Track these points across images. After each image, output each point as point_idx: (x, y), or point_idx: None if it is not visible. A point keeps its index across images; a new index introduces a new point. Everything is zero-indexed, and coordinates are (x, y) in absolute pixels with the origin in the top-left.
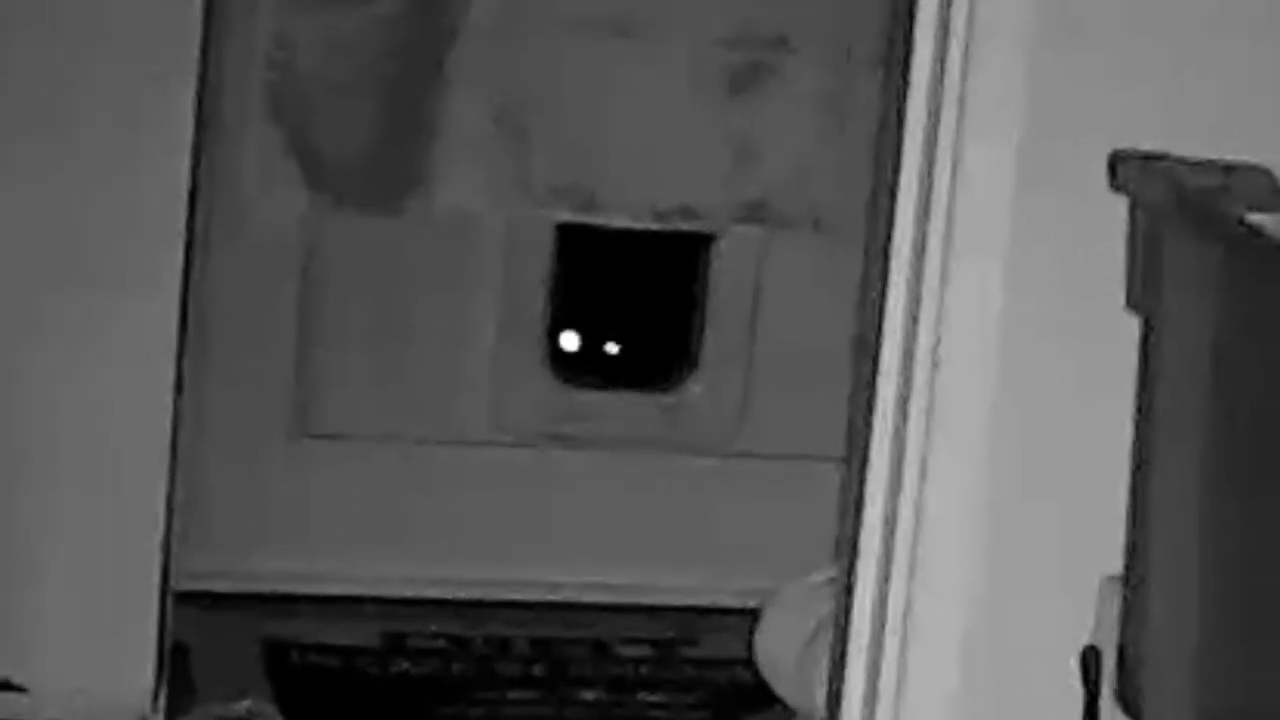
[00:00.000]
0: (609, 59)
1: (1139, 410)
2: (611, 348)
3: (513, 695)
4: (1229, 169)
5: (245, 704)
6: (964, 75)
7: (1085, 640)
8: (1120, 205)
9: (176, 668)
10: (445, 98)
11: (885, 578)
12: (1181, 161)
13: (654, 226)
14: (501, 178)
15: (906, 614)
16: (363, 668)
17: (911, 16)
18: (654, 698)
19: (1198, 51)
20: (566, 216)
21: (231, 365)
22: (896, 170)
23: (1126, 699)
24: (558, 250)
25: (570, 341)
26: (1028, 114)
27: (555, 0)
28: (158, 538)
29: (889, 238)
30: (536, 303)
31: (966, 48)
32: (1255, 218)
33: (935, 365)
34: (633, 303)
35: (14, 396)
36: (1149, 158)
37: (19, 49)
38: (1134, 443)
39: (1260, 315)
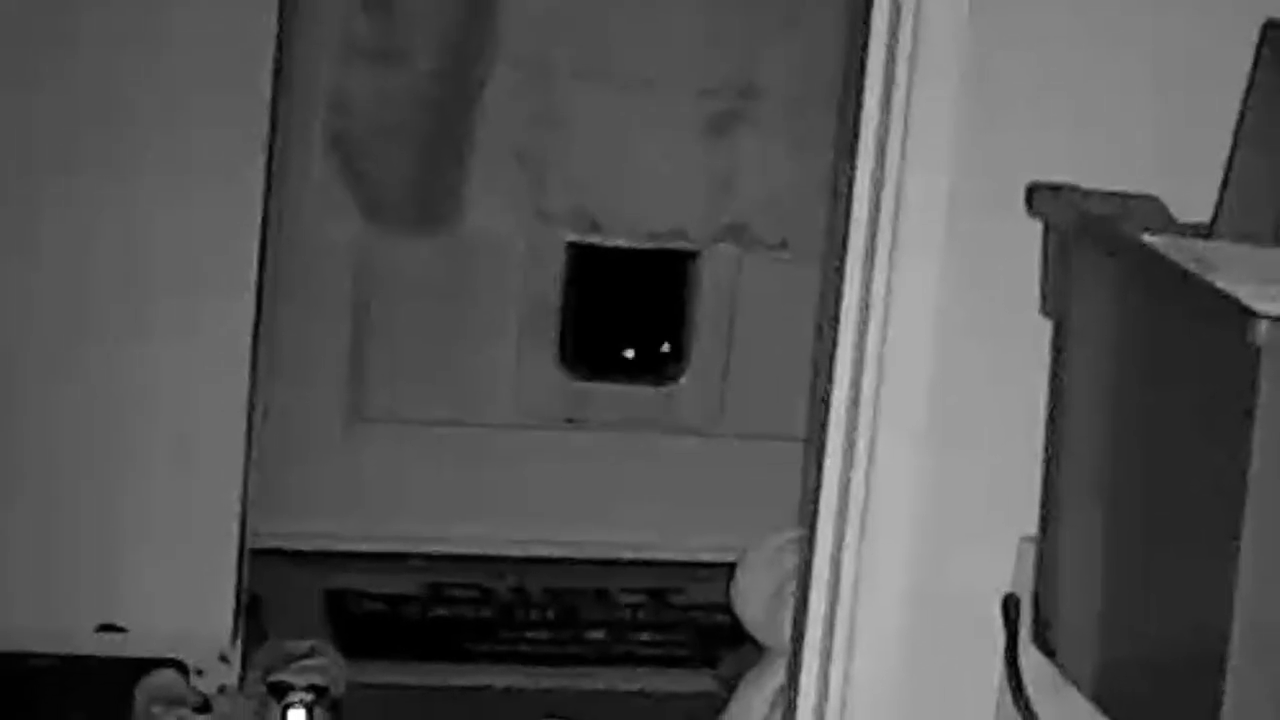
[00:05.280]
0: (611, 107)
1: (1052, 398)
2: (613, 347)
3: (530, 635)
4: (1126, 198)
5: (309, 643)
6: (906, 118)
7: (1006, 590)
8: (1036, 227)
9: (252, 613)
10: (475, 138)
11: (841, 538)
12: (1087, 191)
13: (648, 245)
14: (522, 204)
15: (858, 568)
16: (407, 613)
17: (863, 68)
18: (647, 637)
19: (1100, 100)
20: (576, 237)
21: (297, 360)
22: (850, 197)
23: (1041, 640)
24: (569, 265)
25: (580, 342)
26: (959, 150)
27: (566, 59)
28: (236, 504)
29: (844, 254)
30: (551, 308)
31: (908, 95)
32: (1149, 238)
33: (882, 360)
34: (631, 309)
35: (119, 385)
36: (1060, 188)
37: (134, 102)
38: (1047, 425)
39: (1151, 319)
